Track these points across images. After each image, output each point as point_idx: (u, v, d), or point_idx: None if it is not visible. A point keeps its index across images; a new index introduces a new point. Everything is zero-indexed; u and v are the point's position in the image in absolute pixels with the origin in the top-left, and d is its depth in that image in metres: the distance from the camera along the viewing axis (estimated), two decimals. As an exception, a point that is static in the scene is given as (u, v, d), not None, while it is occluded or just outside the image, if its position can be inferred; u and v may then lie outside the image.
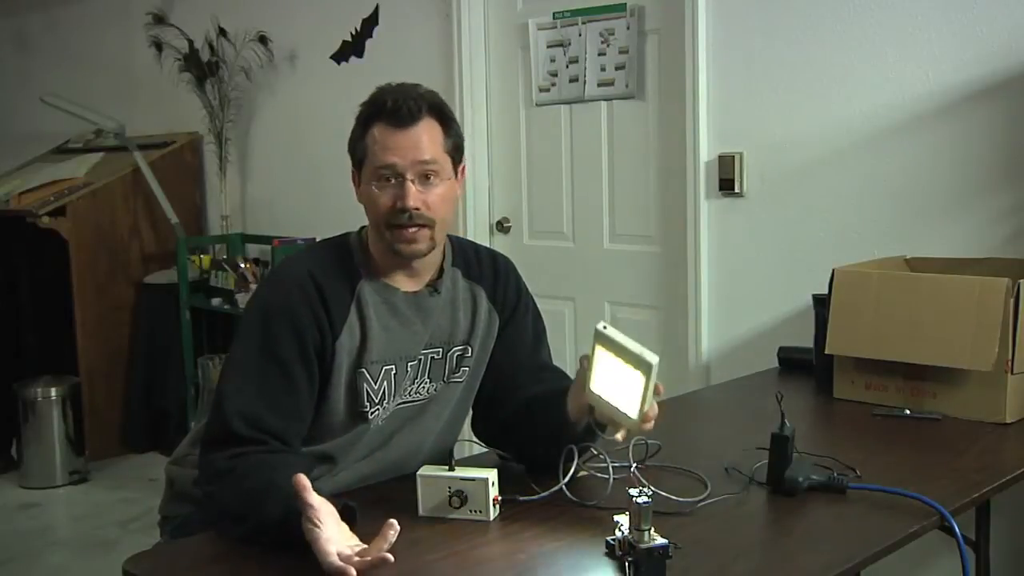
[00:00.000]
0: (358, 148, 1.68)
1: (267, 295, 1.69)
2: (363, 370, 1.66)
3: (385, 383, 1.68)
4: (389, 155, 1.63)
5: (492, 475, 1.51)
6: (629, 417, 1.49)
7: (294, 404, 1.60)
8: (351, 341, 1.65)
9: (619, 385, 1.50)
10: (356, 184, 1.72)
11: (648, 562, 1.29)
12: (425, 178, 1.64)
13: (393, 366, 1.69)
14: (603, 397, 1.53)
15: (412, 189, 1.62)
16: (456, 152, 1.70)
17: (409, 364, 1.71)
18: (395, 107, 1.63)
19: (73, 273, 4.45)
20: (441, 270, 1.76)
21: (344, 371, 1.65)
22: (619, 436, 1.53)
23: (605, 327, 1.49)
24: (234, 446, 1.54)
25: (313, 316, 1.62)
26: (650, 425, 1.52)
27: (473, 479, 1.50)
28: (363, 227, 1.76)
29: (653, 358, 1.43)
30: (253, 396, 1.57)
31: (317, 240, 4.01)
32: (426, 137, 1.64)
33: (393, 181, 1.63)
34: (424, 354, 1.73)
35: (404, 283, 1.72)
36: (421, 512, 1.51)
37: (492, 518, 1.51)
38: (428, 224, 1.64)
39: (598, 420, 1.59)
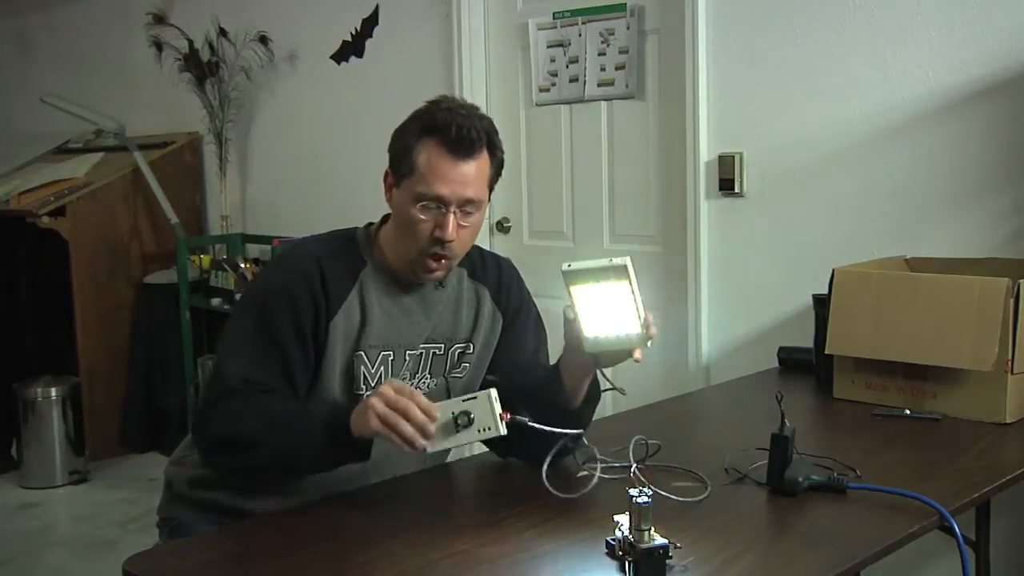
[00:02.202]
0: (405, 158, 1.65)
1: (269, 274, 1.76)
2: (361, 353, 1.68)
3: (382, 368, 1.70)
4: (440, 186, 1.61)
5: (492, 391, 1.49)
6: (634, 336, 1.54)
7: (289, 380, 1.63)
8: (348, 323, 1.66)
9: (609, 310, 1.53)
10: (389, 183, 1.70)
11: (648, 562, 1.29)
12: (466, 213, 1.65)
13: (391, 352, 1.70)
14: (601, 337, 1.56)
15: (453, 222, 1.63)
16: (496, 179, 1.71)
17: (408, 353, 1.72)
18: (458, 136, 1.61)
19: (73, 273, 4.46)
20: None
21: (339, 353, 1.66)
22: (637, 355, 1.56)
23: (569, 264, 1.51)
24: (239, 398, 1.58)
25: (310, 294, 1.64)
26: (654, 330, 1.56)
27: (475, 396, 1.48)
28: (370, 224, 1.77)
29: (623, 259, 1.49)
30: (252, 366, 1.60)
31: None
32: (477, 173, 1.64)
33: (435, 209, 1.63)
34: (425, 348, 1.74)
35: (411, 275, 1.73)
36: (429, 450, 1.49)
37: (504, 431, 1.48)
38: (453, 257, 1.67)
39: (604, 366, 1.62)
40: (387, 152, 1.71)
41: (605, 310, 1.54)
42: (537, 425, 1.52)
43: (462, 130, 1.61)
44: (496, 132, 1.69)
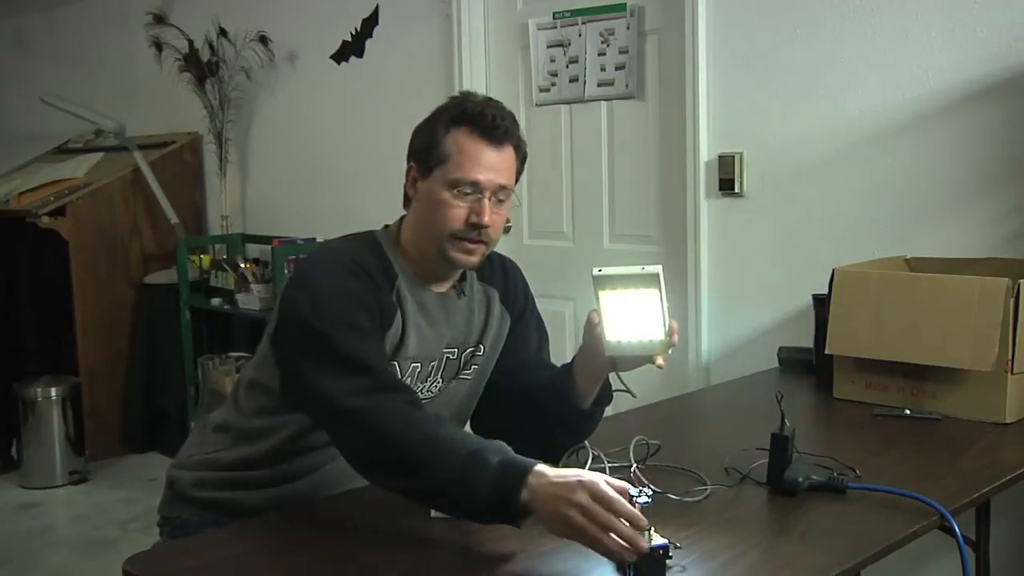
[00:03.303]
0: (435, 148, 1.64)
1: (317, 275, 1.62)
2: (395, 363, 1.66)
3: (410, 379, 1.69)
4: (478, 171, 1.61)
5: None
6: (657, 341, 1.55)
7: (379, 350, 1.58)
8: (393, 335, 1.65)
9: (635, 316, 1.54)
10: (412, 177, 1.68)
11: (648, 562, 1.29)
12: (499, 200, 1.65)
13: (420, 364, 1.70)
14: (623, 341, 1.56)
15: (488, 208, 1.63)
16: (520, 173, 1.72)
17: (431, 363, 1.72)
18: (494, 124, 1.62)
19: (73, 273, 4.46)
20: (464, 273, 1.77)
21: None
22: (660, 362, 1.57)
23: (600, 270, 1.52)
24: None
25: (376, 299, 1.60)
26: (677, 337, 1.56)
27: None
28: (387, 225, 1.76)
29: (656, 268, 1.50)
30: (350, 367, 1.52)
31: (317, 240, 4.03)
32: (509, 161, 1.66)
33: (470, 195, 1.63)
34: (443, 353, 1.74)
35: (434, 283, 1.73)
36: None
37: None
38: (488, 243, 1.67)
39: (621, 370, 1.63)
40: (409, 147, 1.69)
41: (631, 316, 1.55)
42: None
43: (496, 119, 1.62)
44: (519, 126, 1.70)
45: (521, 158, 1.70)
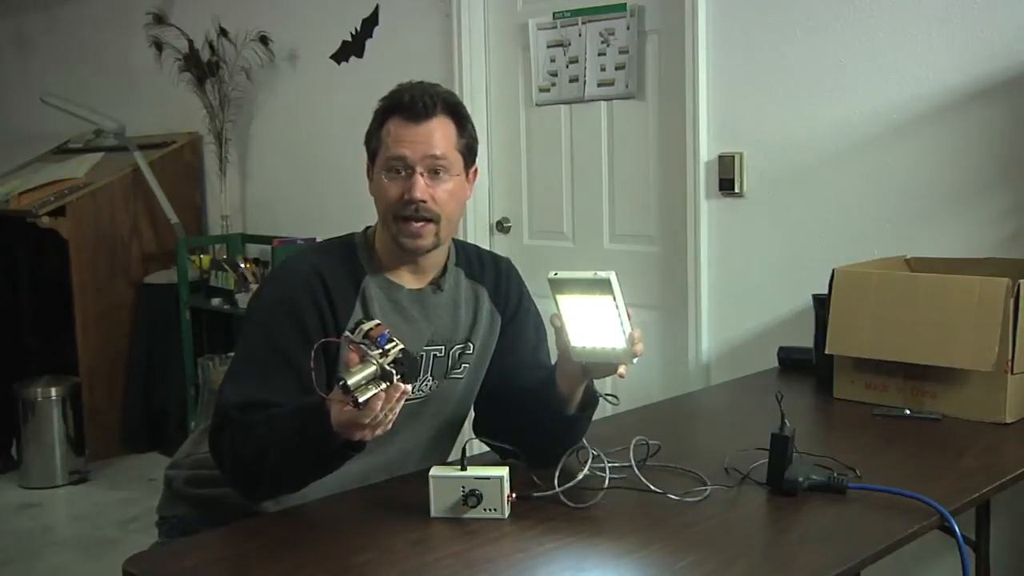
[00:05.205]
0: (373, 140, 1.70)
1: (270, 290, 1.72)
2: None
3: None
4: (401, 147, 1.65)
5: (505, 473, 1.51)
6: (620, 350, 1.53)
7: (300, 390, 1.59)
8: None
9: (595, 323, 1.53)
10: (369, 177, 1.73)
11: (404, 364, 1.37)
12: (435, 173, 1.66)
13: None
14: (587, 347, 1.56)
15: (420, 182, 1.64)
16: (468, 152, 1.72)
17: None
18: (411, 101, 1.66)
19: (73, 273, 4.46)
20: (445, 269, 1.77)
21: None
22: (621, 372, 1.56)
23: (556, 273, 1.52)
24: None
25: (316, 308, 1.63)
26: (640, 347, 1.55)
27: (488, 477, 1.49)
28: (368, 227, 1.77)
29: (608, 273, 1.48)
30: (253, 388, 1.58)
31: (317, 240, 4.03)
32: (438, 133, 1.66)
33: (403, 173, 1.65)
34: (427, 351, 1.74)
35: (408, 280, 1.73)
36: (433, 513, 1.50)
37: (507, 516, 1.50)
38: (434, 219, 1.66)
39: (593, 377, 1.63)
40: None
41: (590, 322, 1.54)
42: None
43: (414, 96, 1.66)
44: (460, 104, 1.72)
45: (466, 134, 1.71)
